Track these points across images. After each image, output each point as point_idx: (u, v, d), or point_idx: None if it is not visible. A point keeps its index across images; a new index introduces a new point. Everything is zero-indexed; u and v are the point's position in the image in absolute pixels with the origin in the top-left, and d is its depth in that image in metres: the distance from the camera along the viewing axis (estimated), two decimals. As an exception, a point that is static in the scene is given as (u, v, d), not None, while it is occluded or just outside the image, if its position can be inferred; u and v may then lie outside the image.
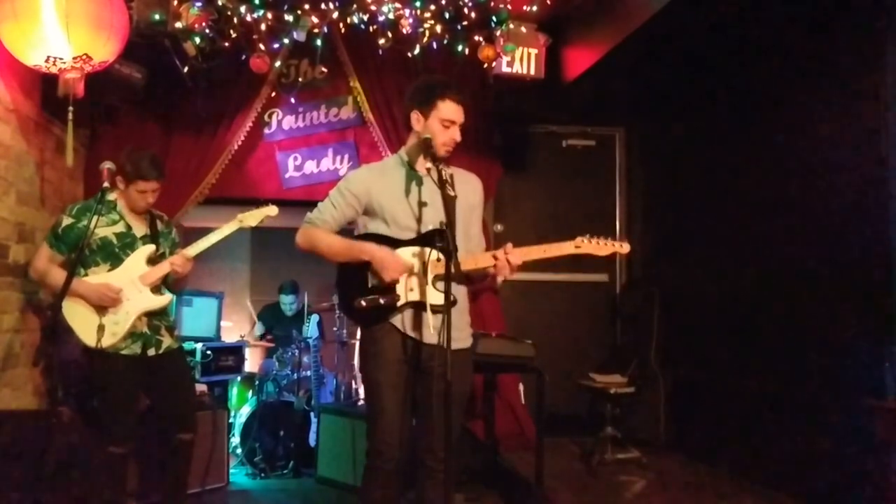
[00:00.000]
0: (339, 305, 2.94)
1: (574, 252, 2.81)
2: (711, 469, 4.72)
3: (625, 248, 2.86)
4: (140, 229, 3.58)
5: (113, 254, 3.48)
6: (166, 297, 3.59)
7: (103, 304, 3.39)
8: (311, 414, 5.40)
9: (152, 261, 3.55)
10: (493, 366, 4.42)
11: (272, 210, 3.69)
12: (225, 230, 3.58)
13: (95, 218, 3.07)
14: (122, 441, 3.43)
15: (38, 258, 3.53)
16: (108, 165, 3.18)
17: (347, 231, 3.01)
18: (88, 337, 3.36)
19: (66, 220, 3.48)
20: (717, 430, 4.86)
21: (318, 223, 2.89)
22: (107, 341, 3.38)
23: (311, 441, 5.26)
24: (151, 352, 3.53)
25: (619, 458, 4.84)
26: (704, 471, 4.72)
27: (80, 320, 3.38)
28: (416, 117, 2.83)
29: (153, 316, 3.55)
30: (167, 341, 3.60)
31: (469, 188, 2.95)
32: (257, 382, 5.80)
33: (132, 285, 3.47)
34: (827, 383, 3.88)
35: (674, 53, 4.94)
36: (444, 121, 2.78)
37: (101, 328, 3.36)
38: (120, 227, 3.52)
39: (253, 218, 3.64)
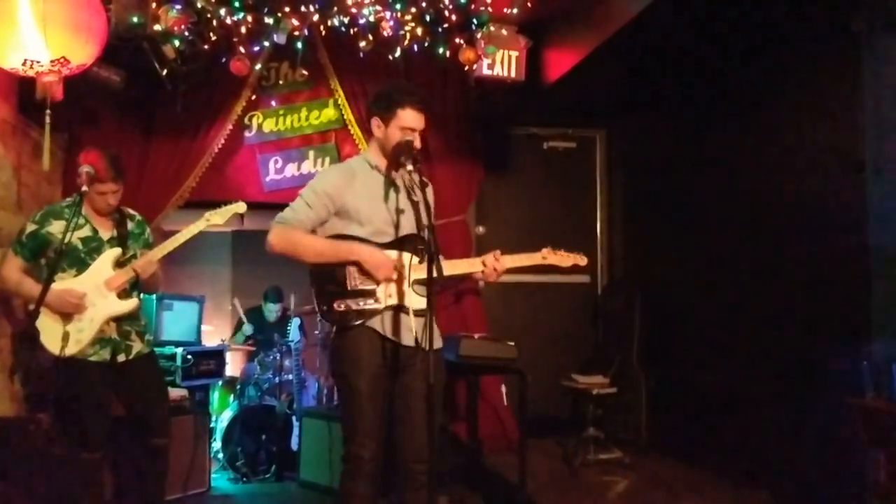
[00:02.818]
0: (317, 305, 2.88)
1: (541, 262, 3.00)
2: (693, 468, 4.75)
3: (583, 260, 3.07)
4: (106, 232, 3.48)
5: (79, 259, 3.38)
6: (132, 302, 3.48)
7: (65, 311, 3.29)
8: (293, 418, 5.37)
9: (120, 264, 3.45)
10: (476, 367, 4.43)
11: (240, 207, 3.62)
12: (192, 229, 3.48)
13: (71, 224, 3.01)
14: (95, 447, 3.36)
15: (8, 268, 3.40)
16: (86, 169, 3.16)
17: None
18: (53, 345, 3.25)
19: (30, 227, 3.38)
20: (699, 429, 4.89)
21: (293, 223, 2.79)
22: (71, 349, 3.28)
23: (294, 445, 5.23)
24: (121, 357, 3.44)
25: (601, 458, 4.87)
26: (686, 470, 4.75)
27: (45, 328, 3.26)
28: (376, 123, 2.84)
29: (122, 321, 3.46)
30: (137, 346, 3.51)
31: (427, 193, 2.94)
32: (239, 386, 5.75)
33: (97, 291, 3.36)
34: (807, 382, 3.93)
35: (654, 56, 4.98)
36: (404, 129, 2.79)
37: (65, 336, 3.26)
38: (86, 232, 3.42)
39: (220, 216, 3.56)
